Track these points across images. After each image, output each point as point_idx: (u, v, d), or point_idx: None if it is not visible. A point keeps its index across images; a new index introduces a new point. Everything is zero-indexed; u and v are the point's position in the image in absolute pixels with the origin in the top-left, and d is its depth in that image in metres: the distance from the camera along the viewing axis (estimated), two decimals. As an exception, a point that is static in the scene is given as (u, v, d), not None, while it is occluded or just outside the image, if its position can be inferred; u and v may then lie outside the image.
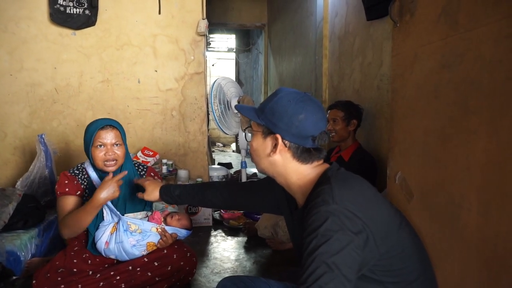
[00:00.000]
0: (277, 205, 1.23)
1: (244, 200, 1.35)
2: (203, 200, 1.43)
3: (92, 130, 1.65)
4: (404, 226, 0.95)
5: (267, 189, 1.26)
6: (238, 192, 1.37)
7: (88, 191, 1.71)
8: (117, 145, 1.67)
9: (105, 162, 1.64)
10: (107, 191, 1.56)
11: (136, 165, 1.86)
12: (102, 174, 1.71)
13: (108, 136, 1.64)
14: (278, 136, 0.98)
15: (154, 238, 1.68)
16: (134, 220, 1.68)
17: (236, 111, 3.48)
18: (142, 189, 1.58)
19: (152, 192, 1.51)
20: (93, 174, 1.71)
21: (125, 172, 1.63)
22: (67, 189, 1.68)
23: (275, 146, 0.99)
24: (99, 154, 1.63)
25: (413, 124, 1.17)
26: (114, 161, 1.66)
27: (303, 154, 0.99)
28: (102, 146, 1.64)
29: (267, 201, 1.27)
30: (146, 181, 1.58)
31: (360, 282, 0.88)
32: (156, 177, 1.85)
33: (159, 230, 1.69)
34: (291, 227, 1.16)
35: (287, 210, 1.15)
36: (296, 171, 1.00)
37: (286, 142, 0.98)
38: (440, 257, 1.06)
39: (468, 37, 0.95)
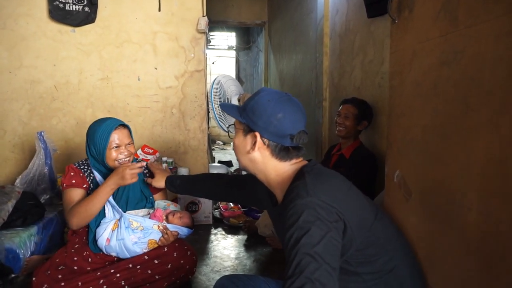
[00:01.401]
0: (259, 201, 1.28)
1: (231, 193, 1.47)
2: (198, 190, 1.58)
3: (105, 131, 1.65)
4: (379, 217, 0.98)
5: (251, 184, 1.32)
6: (226, 185, 1.48)
7: (93, 186, 1.72)
8: (129, 144, 1.72)
9: (119, 160, 1.68)
10: (131, 178, 1.60)
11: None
12: (106, 171, 1.73)
13: (122, 137, 1.69)
14: (257, 134, 1.02)
15: (155, 235, 1.68)
16: (136, 217, 1.68)
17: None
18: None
19: (159, 180, 1.67)
20: (96, 172, 1.73)
21: (143, 164, 1.72)
22: (73, 181, 1.70)
23: (254, 143, 1.03)
24: (114, 154, 1.67)
25: (411, 122, 1.15)
26: (128, 158, 1.71)
27: (281, 152, 1.02)
28: (118, 147, 1.68)
29: (251, 195, 1.34)
30: (157, 169, 1.74)
31: (339, 277, 0.89)
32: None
33: (161, 227, 1.68)
34: (274, 223, 1.19)
35: (270, 207, 1.17)
36: (274, 168, 1.04)
37: (265, 140, 1.02)
38: (439, 257, 1.05)
39: (468, 34, 0.93)
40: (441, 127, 1.02)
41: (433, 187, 1.06)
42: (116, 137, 1.66)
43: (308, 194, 0.87)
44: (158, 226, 1.68)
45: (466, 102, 0.94)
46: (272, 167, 1.04)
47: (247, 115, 1.04)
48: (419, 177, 1.12)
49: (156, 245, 1.69)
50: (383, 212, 1.02)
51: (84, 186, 1.71)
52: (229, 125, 1.14)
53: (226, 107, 1.13)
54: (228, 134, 1.14)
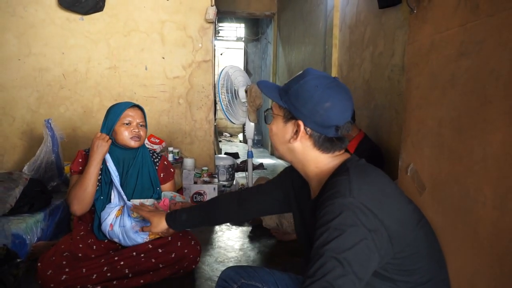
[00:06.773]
0: (286, 201, 1.18)
1: (254, 206, 1.28)
2: (214, 218, 1.34)
3: (119, 109, 1.70)
4: (422, 225, 0.89)
5: (276, 188, 1.21)
6: (247, 199, 1.29)
7: (101, 171, 1.72)
8: (141, 125, 1.73)
9: (132, 137, 1.69)
10: (97, 147, 1.63)
11: (151, 152, 1.88)
12: (116, 152, 1.73)
13: (135, 115, 1.71)
14: (300, 122, 0.92)
15: None
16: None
17: (244, 101, 3.44)
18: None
19: (159, 224, 1.36)
20: (107, 155, 1.71)
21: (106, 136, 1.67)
22: (80, 168, 1.71)
23: (296, 132, 0.94)
24: (126, 131, 1.68)
25: (427, 114, 1.12)
26: (139, 137, 1.71)
27: (325, 143, 0.93)
28: (129, 124, 1.69)
29: (276, 199, 1.22)
30: (148, 213, 1.44)
31: (371, 278, 0.84)
32: (169, 168, 1.90)
33: None
34: (299, 218, 1.12)
35: (297, 202, 1.11)
36: (315, 160, 0.95)
37: (308, 129, 0.92)
38: (451, 252, 1.03)
39: (489, 23, 0.90)
40: (457, 120, 0.99)
41: (447, 181, 1.03)
42: (129, 113, 1.70)
43: (350, 194, 0.79)
44: None
45: (484, 94, 0.91)
46: (313, 158, 0.94)
47: (289, 100, 0.93)
48: (433, 170, 1.09)
49: (158, 236, 1.69)
50: (425, 219, 0.94)
51: None
52: (266, 109, 1.02)
53: (265, 86, 1.01)
54: (265, 119, 1.03)
